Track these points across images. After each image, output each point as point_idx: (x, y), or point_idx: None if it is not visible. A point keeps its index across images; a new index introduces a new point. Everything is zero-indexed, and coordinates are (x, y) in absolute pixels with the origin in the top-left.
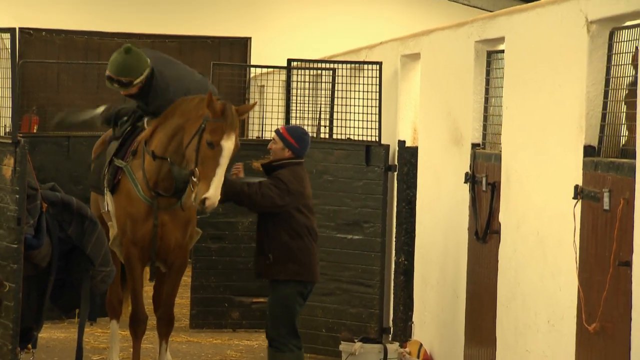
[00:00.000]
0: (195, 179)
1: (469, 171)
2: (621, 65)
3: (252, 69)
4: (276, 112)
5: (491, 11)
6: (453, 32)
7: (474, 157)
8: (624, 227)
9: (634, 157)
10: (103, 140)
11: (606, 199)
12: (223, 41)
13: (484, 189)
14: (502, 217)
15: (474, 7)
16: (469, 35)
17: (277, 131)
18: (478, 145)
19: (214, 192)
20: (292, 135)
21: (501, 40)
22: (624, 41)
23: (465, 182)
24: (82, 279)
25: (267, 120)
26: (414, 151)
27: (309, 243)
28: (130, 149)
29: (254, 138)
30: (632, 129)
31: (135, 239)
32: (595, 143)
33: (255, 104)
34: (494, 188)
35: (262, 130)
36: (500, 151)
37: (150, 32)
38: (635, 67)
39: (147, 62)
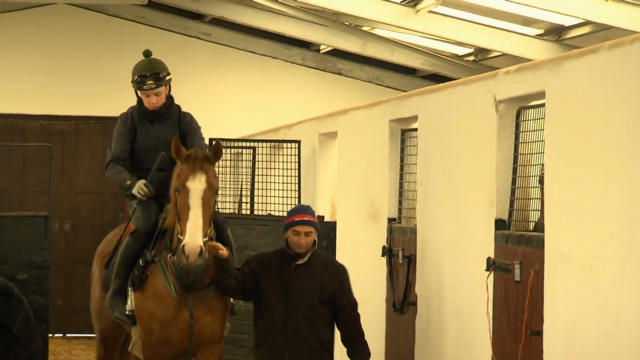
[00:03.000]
0: (179, 236)
1: (386, 245)
2: (528, 142)
3: None
4: None
5: (404, 91)
6: (368, 111)
7: (390, 231)
8: (535, 297)
9: (543, 230)
10: (115, 236)
11: (517, 271)
12: None
13: (400, 261)
14: (418, 289)
15: (387, 87)
16: (383, 114)
17: (309, 222)
18: (394, 219)
19: (189, 238)
20: (314, 215)
21: (414, 119)
22: (530, 119)
23: (383, 255)
24: (7, 358)
25: None
26: (332, 226)
27: None
28: (163, 241)
29: None
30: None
31: (163, 339)
32: (505, 217)
33: (218, 142)
34: (410, 261)
35: None
36: (416, 225)
37: (75, 114)
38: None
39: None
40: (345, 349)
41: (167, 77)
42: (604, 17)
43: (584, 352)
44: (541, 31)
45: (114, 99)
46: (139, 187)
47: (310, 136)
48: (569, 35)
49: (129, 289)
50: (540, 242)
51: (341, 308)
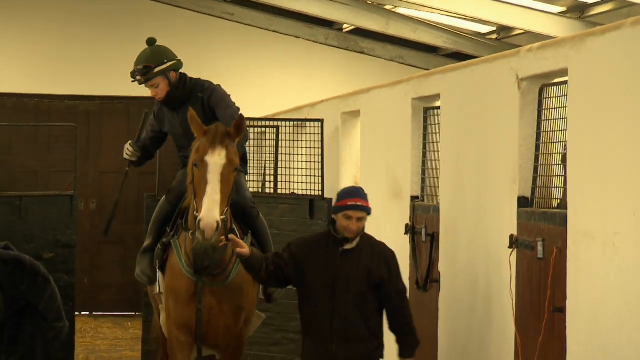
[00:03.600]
0: (195, 213)
1: (409, 223)
2: (551, 120)
3: None
4: None
5: (427, 69)
6: (391, 90)
7: (413, 209)
8: (558, 274)
9: (566, 208)
10: None
11: (540, 248)
12: None
13: (423, 239)
14: (441, 267)
15: (409, 65)
16: (406, 92)
17: (363, 208)
18: (417, 197)
19: (205, 212)
20: (367, 198)
21: (437, 97)
22: (553, 97)
23: (406, 233)
24: (35, 335)
25: None
26: None
27: None
28: (181, 221)
29: None
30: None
31: (178, 322)
32: (528, 194)
33: (241, 116)
34: (433, 239)
35: None
36: (439, 203)
37: (100, 94)
38: None
39: (171, 54)
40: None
41: (158, 69)
42: None
43: (606, 329)
44: (564, 9)
45: None
46: (126, 149)
47: (333, 115)
48: (591, 13)
49: (158, 271)
50: (563, 219)
51: (387, 296)
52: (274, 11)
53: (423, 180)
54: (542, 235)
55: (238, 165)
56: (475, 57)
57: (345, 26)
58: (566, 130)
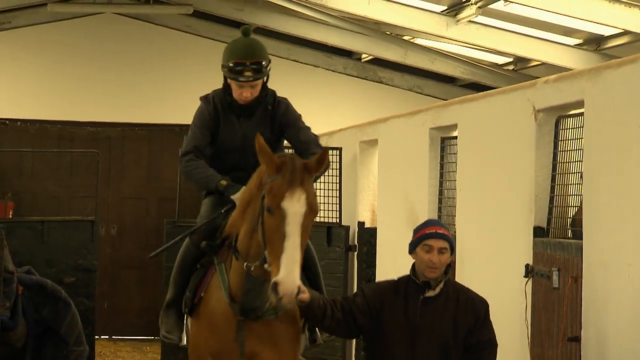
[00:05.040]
0: (267, 266)
1: None
2: (567, 151)
3: None
4: None
5: (444, 99)
6: (408, 120)
7: None
8: (573, 304)
9: (581, 238)
10: None
11: (555, 277)
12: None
13: None
14: None
15: (427, 95)
16: (423, 122)
17: (444, 237)
18: None
19: (285, 274)
20: (449, 230)
21: (454, 127)
22: (569, 128)
23: None
24: (56, 359)
25: None
26: (373, 232)
27: None
28: (229, 241)
29: None
30: None
31: None
32: (544, 224)
33: (325, 150)
34: (449, 267)
35: None
36: (455, 232)
37: (121, 120)
38: None
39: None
40: None
41: (269, 68)
42: None
43: (621, 358)
44: (580, 41)
45: (160, 106)
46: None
47: (352, 143)
48: (608, 45)
49: (186, 315)
50: (579, 249)
51: (468, 347)
52: (293, 40)
53: (440, 209)
54: (557, 264)
55: (318, 212)
56: (493, 88)
57: (363, 56)
58: (582, 161)
